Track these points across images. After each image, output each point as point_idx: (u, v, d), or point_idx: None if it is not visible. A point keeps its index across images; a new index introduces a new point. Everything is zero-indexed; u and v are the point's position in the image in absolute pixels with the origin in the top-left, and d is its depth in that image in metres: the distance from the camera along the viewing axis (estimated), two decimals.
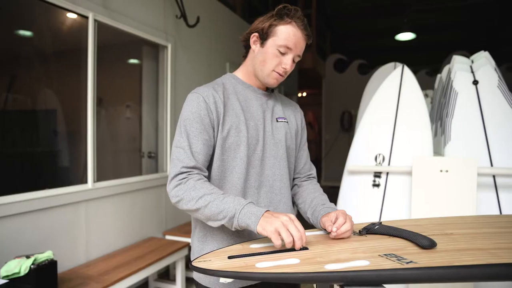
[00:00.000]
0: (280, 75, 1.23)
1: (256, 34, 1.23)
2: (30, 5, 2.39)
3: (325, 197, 1.34)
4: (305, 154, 1.44)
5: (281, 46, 1.19)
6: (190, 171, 1.14)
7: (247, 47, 1.30)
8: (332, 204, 1.29)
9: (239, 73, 1.33)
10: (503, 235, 1.12)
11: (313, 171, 1.46)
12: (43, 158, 2.71)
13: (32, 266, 1.86)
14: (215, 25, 4.32)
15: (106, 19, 2.73)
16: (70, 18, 2.64)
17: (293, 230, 0.98)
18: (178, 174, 1.13)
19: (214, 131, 1.19)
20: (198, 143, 1.16)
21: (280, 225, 0.98)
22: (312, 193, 1.35)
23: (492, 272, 0.85)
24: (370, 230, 1.16)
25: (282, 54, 1.20)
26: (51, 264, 1.96)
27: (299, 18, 1.20)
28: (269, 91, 1.34)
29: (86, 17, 2.59)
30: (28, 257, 1.91)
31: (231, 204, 1.05)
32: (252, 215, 1.02)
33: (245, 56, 1.32)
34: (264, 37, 1.21)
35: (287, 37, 1.19)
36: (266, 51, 1.21)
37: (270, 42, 1.20)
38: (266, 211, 1.04)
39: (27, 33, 2.51)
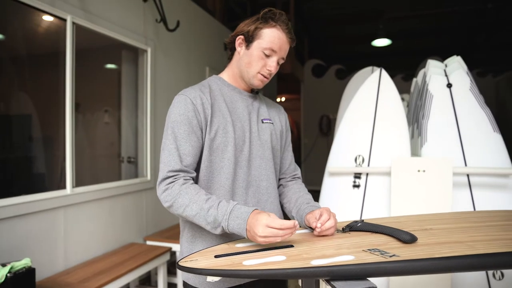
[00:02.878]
0: (265, 77, 1.26)
1: (242, 36, 1.26)
2: (3, 6, 2.33)
3: (309, 196, 1.36)
4: (289, 155, 1.47)
5: (266, 48, 1.22)
6: (176, 175, 1.15)
7: (232, 49, 1.31)
8: (317, 203, 1.32)
9: (225, 75, 1.34)
10: (478, 229, 1.17)
11: (298, 172, 1.50)
12: (17, 164, 2.63)
13: (8, 275, 1.81)
14: (194, 29, 4.32)
15: (84, 22, 2.69)
16: (47, 20, 2.59)
17: (274, 236, 0.99)
18: (165, 178, 1.15)
19: (202, 132, 1.20)
20: (186, 145, 1.17)
21: (262, 240, 1.00)
22: (297, 192, 1.38)
23: (470, 262, 0.89)
24: (353, 227, 1.19)
25: (267, 56, 1.23)
26: (29, 272, 1.91)
27: (284, 21, 1.23)
28: (254, 92, 1.37)
29: (64, 20, 2.55)
30: (4, 265, 1.85)
31: (215, 217, 1.07)
32: (240, 230, 1.05)
33: (230, 58, 1.34)
34: (249, 39, 1.24)
35: (272, 40, 1.22)
36: (252, 53, 1.24)
37: (255, 44, 1.23)
38: (250, 215, 1.04)
39: None
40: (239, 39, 1.27)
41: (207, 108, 1.21)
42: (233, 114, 1.26)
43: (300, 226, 1.29)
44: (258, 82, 1.27)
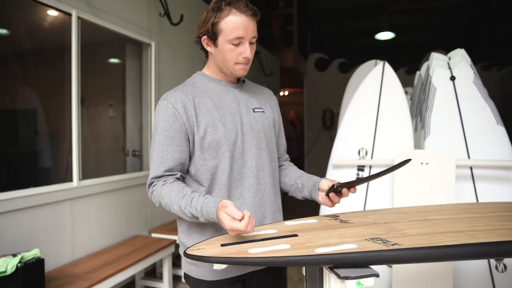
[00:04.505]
0: (244, 63, 1.24)
1: (205, 36, 1.24)
2: (9, 1, 2.35)
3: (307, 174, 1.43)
4: (283, 140, 1.49)
5: (232, 39, 1.18)
6: (158, 180, 1.21)
7: (204, 49, 1.30)
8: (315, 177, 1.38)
9: (207, 70, 1.33)
10: (479, 219, 1.19)
11: (287, 156, 1.54)
12: (24, 158, 2.67)
13: (18, 265, 1.85)
14: (198, 23, 4.32)
15: (89, 16, 2.71)
16: (52, 15, 2.61)
17: (239, 229, 1.01)
18: (149, 184, 1.23)
19: (188, 134, 1.22)
20: (168, 150, 1.20)
21: (231, 232, 1.03)
22: (295, 171, 1.45)
23: (470, 251, 0.91)
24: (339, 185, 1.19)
25: (237, 45, 1.20)
26: (38, 262, 1.95)
27: (237, 1, 1.18)
28: (240, 82, 1.36)
29: (70, 14, 2.57)
30: (14, 255, 1.89)
31: (193, 214, 1.12)
32: (214, 220, 1.09)
33: (206, 56, 1.33)
34: (213, 37, 1.21)
35: (234, 27, 1.17)
36: (221, 49, 1.21)
37: (221, 40, 1.20)
38: (216, 216, 1.07)
39: (3, 31, 2.46)
40: (204, 40, 1.25)
41: (190, 109, 1.21)
42: (220, 109, 1.25)
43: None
44: (240, 71, 1.25)
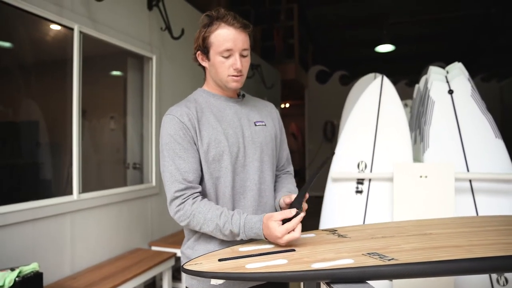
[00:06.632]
0: (236, 75, 1.26)
1: (199, 52, 1.28)
2: (12, 16, 2.39)
3: (292, 186, 1.42)
4: (285, 153, 1.50)
5: (221, 52, 1.22)
6: (183, 194, 1.19)
7: (201, 65, 1.34)
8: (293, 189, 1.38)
9: (208, 86, 1.37)
10: (477, 234, 1.19)
11: (290, 168, 1.52)
12: (25, 170, 2.68)
13: (17, 279, 1.84)
14: None
15: (91, 30, 2.75)
16: (55, 29, 2.64)
17: (290, 239, 1.08)
18: (173, 199, 1.19)
19: (196, 146, 1.23)
20: (185, 163, 1.20)
21: (285, 243, 1.08)
22: (281, 183, 1.44)
23: (466, 266, 0.91)
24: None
25: (227, 57, 1.23)
26: (37, 276, 1.94)
27: (226, 15, 1.22)
28: (240, 97, 1.38)
29: (72, 29, 2.61)
30: (12, 269, 1.89)
31: (232, 231, 1.14)
32: (257, 235, 1.13)
33: (205, 72, 1.37)
34: (205, 51, 1.26)
35: (222, 40, 1.21)
36: (214, 62, 1.25)
37: (212, 53, 1.24)
38: (263, 226, 1.11)
39: (6, 44, 2.49)
40: (199, 56, 1.29)
41: (194, 123, 1.23)
42: (223, 123, 1.27)
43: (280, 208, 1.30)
44: (233, 84, 1.27)
